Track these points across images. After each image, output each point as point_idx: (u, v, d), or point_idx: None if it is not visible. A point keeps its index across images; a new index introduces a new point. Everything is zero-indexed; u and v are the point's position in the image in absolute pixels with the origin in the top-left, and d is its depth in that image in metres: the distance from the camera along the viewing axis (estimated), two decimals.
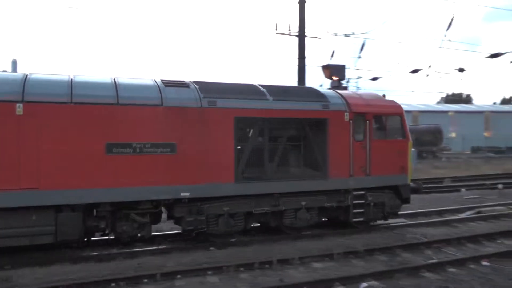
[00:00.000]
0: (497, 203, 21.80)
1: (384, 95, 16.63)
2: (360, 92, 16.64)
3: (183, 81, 13.34)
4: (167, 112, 12.22)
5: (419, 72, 25.68)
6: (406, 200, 16.15)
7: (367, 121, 15.08)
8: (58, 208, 11.45)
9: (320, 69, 20.77)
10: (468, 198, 23.76)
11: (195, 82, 13.43)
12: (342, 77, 19.41)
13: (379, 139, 15.33)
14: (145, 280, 10.17)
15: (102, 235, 13.02)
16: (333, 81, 19.04)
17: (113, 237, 12.79)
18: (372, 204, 15.36)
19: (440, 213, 19.48)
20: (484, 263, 12.15)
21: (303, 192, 14.24)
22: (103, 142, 11.59)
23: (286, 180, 13.92)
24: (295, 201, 14.21)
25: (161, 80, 13.04)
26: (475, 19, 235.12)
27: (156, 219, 13.02)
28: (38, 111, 10.99)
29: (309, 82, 74.23)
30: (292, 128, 14.37)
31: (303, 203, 14.29)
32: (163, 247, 12.91)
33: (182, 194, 12.43)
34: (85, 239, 12.71)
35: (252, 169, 13.50)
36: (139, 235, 12.73)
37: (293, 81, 43.89)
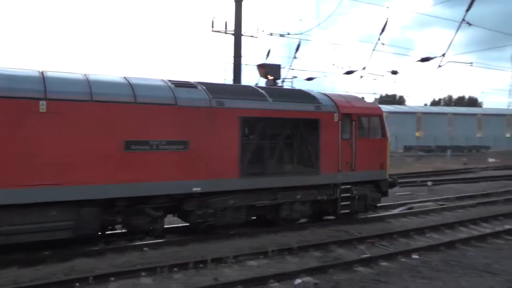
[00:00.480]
0: (426, 199, 22.57)
1: (363, 97, 17.67)
2: (344, 94, 17.73)
3: (190, 81, 14.03)
4: (181, 111, 12.86)
5: (354, 73, 26.09)
6: (385, 193, 17.71)
7: (353, 122, 16.44)
8: (77, 203, 11.63)
9: (256, 68, 20.76)
10: (401, 195, 24.41)
11: (200, 83, 14.15)
12: (277, 76, 19.47)
13: (363, 138, 16.66)
14: (77, 284, 9.87)
15: (111, 229, 13.15)
16: (268, 80, 19.08)
17: (125, 230, 13.26)
18: (356, 197, 16.71)
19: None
20: (414, 256, 12.50)
21: (298, 187, 15.24)
22: (122, 139, 12.03)
23: (284, 176, 14.84)
24: (291, 195, 15.18)
25: (170, 81, 13.60)
26: (408, 25, 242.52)
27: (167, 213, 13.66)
28: (60, 109, 11.21)
29: (245, 81, 74.44)
30: (288, 127, 15.19)
31: (298, 196, 15.31)
32: (96, 248, 12.58)
33: (194, 189, 13.11)
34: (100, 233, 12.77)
35: (254, 165, 14.30)
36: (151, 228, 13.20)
37: (229, 79, 43.77)
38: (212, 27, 24.50)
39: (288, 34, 25.79)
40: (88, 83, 11.88)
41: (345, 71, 25.75)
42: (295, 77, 31.68)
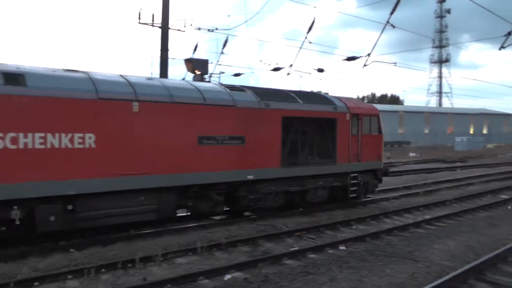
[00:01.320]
0: None
1: (361, 99, 19.86)
2: (350, 97, 20.83)
3: (239, 86, 16.57)
4: (238, 111, 15.39)
5: (281, 70, 26.33)
6: (380, 180, 21.23)
7: (359, 120, 19.63)
8: (159, 190, 13.66)
9: (183, 62, 20.56)
10: None
11: (245, 87, 16.66)
12: (205, 71, 19.37)
13: (366, 134, 19.91)
14: None
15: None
16: (196, 75, 18.95)
17: (189, 213, 15.57)
18: (361, 183, 19.88)
19: None
20: (341, 247, 12.79)
21: (320, 175, 18.21)
22: (195, 135, 14.25)
23: (310, 166, 17.89)
24: (314, 182, 18.09)
25: (223, 85, 16.22)
26: (333, 24, 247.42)
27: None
28: (148, 109, 13.15)
29: (172, 75, 73.56)
30: (313, 125, 18.22)
31: (320, 183, 18.27)
32: (15, 252, 12.05)
33: (248, 177, 15.70)
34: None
35: (290, 157, 17.28)
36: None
37: (155, 73, 43.08)
38: (139, 19, 24.05)
39: (216, 29, 25.71)
40: (166, 88, 13.94)
41: (272, 68, 25.97)
42: (223, 72, 31.69)
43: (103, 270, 10.62)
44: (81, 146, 12.09)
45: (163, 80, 14.89)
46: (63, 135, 11.79)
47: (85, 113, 12.10)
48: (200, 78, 18.44)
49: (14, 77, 11.29)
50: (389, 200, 21.66)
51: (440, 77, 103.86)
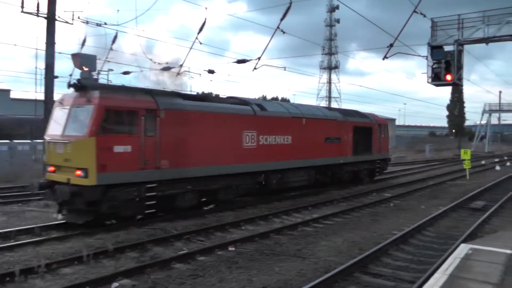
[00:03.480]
0: None
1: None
2: (372, 113, 33.18)
3: (327, 106, 35.13)
4: (337, 123, 26.70)
5: (171, 70, 25.89)
6: (386, 167, 34.08)
7: (380, 128, 31.63)
8: (308, 168, 24.22)
9: (70, 57, 19.59)
10: None
11: (327, 108, 30.64)
12: (93, 68, 18.62)
13: (382, 136, 31.82)
14: None
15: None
16: (83, 71, 18.12)
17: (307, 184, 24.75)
18: (379, 168, 31.71)
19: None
20: (231, 248, 12.79)
21: (364, 161, 29.70)
22: (324, 137, 25.40)
23: (362, 155, 29.23)
24: (362, 166, 29.58)
25: (324, 107, 30.49)
26: (223, 26, 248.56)
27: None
28: (308, 122, 24.04)
29: (58, 71, 70.42)
30: (362, 130, 29.18)
31: (365, 166, 30.02)
32: None
33: (340, 161, 26.80)
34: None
35: (353, 149, 28.21)
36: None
37: (40, 67, 40.91)
38: (22, 7, 22.35)
39: (105, 24, 24.74)
40: (287, 107, 23.89)
41: (162, 67, 25.49)
42: (111, 70, 30.65)
43: None
44: (286, 142, 22.23)
45: (297, 104, 26.11)
46: (280, 136, 21.90)
47: (286, 124, 22.38)
48: (88, 75, 17.71)
49: (263, 107, 21.43)
50: (281, 200, 22.02)
51: (329, 82, 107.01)
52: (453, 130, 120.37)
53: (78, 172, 14.50)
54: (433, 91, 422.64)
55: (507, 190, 26.44)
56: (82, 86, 15.42)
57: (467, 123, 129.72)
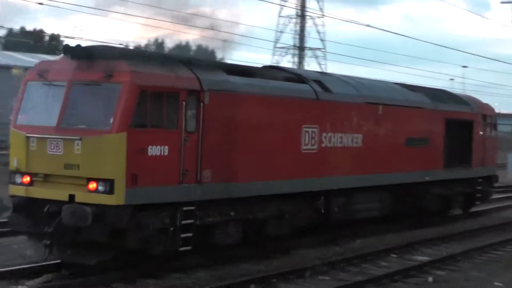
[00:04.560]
0: None
1: None
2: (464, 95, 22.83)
3: (402, 84, 19.24)
4: (423, 113, 17.01)
5: None
6: (491, 192, 21.98)
7: (485, 121, 20.00)
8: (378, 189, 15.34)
9: None
10: None
11: (402, 85, 18.67)
12: None
13: (488, 136, 20.15)
14: None
15: None
16: None
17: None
18: (481, 191, 20.03)
19: None
20: None
21: (460, 180, 18.60)
22: (405, 137, 16.10)
23: (456, 169, 18.36)
24: (456, 188, 18.47)
25: (396, 84, 18.27)
26: None
27: None
28: (386, 111, 15.34)
29: None
30: (457, 128, 18.38)
31: (459, 189, 18.66)
32: None
33: (426, 178, 16.89)
34: None
35: (445, 159, 17.94)
36: None
37: None
38: None
39: None
40: (372, 89, 15.79)
41: None
42: None
43: None
44: (356, 145, 14.64)
45: (383, 83, 18.05)
46: (348, 135, 14.41)
47: (357, 115, 14.65)
48: None
49: (325, 86, 14.07)
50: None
51: (301, 15, 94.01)
52: None
53: (93, 185, 9.39)
54: None
55: None
56: (87, 52, 10.23)
57: None
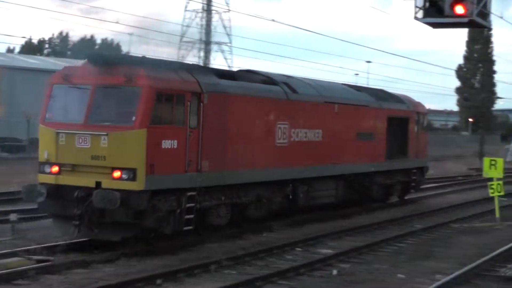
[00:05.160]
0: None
1: None
2: (400, 94, 24.42)
3: (349, 84, 22.79)
4: (369, 111, 19.61)
5: None
6: (423, 181, 24.46)
7: (419, 118, 22.53)
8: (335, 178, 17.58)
9: None
10: None
11: (350, 85, 22.11)
12: None
13: (421, 131, 22.77)
14: None
15: None
16: None
17: None
18: (415, 181, 22.57)
19: None
20: None
21: (399, 170, 21.22)
22: (355, 132, 18.45)
23: (396, 160, 20.85)
24: (396, 177, 21.11)
25: (345, 85, 21.22)
26: None
27: None
28: (333, 110, 17.46)
29: None
30: (396, 124, 21.00)
31: (398, 178, 21.22)
32: None
33: (372, 169, 19.32)
34: None
35: (387, 152, 20.35)
36: None
37: None
38: None
39: None
40: (328, 90, 18.02)
41: None
42: None
43: None
44: (316, 139, 16.92)
45: (335, 84, 20.50)
46: (311, 131, 16.66)
47: (318, 113, 16.90)
48: None
49: (293, 88, 16.24)
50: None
51: (207, 10, 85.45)
52: (469, 119, 71.24)
53: (117, 174, 11.13)
54: (427, 39, 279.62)
55: None
56: (109, 60, 12.09)
57: (498, 105, 79.13)
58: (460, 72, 70.93)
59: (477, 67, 70.47)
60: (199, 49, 60.87)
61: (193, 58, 58.42)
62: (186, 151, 12.05)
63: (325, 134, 16.78)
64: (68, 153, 11.46)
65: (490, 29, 16.25)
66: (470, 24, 13.15)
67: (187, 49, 59.51)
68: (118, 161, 11.09)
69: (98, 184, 11.12)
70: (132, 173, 11.01)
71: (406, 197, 22.46)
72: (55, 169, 11.58)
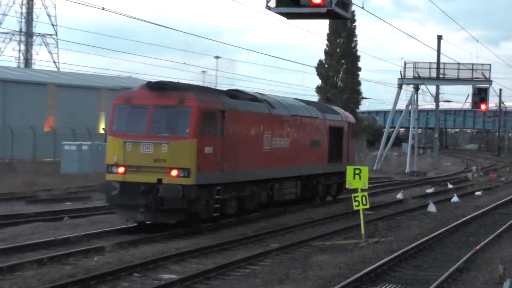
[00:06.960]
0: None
1: None
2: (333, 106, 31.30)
3: (296, 99, 26.05)
4: (317, 122, 23.52)
5: None
6: None
7: (350, 128, 26.76)
8: (296, 178, 21.44)
9: None
10: None
11: (297, 99, 25.70)
12: None
13: (351, 139, 26.88)
14: None
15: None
16: None
17: None
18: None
19: None
20: None
21: (335, 173, 25.08)
22: (309, 140, 22.60)
23: (334, 164, 24.77)
24: (333, 178, 25.18)
25: (293, 99, 24.95)
26: None
27: None
28: (296, 122, 21.65)
29: None
30: (334, 133, 25.06)
31: (335, 179, 25.14)
32: None
33: (319, 171, 23.48)
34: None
35: (329, 156, 24.36)
36: None
37: None
38: None
39: None
40: (291, 106, 21.89)
41: None
42: None
43: None
44: (286, 146, 20.96)
45: (288, 99, 23.82)
46: (284, 139, 20.86)
47: (288, 125, 21.03)
48: None
49: (271, 104, 20.37)
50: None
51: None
52: None
53: (175, 172, 14.97)
54: (281, 31, 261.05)
55: (443, 261, 13.49)
56: (162, 86, 16.13)
57: (364, 106, 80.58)
58: (321, 69, 64.55)
59: (340, 64, 64.54)
60: (19, 42, 53.31)
61: (12, 52, 51.33)
62: (217, 155, 16.10)
63: (291, 142, 20.98)
64: (134, 157, 15.21)
65: (352, 20, 12.66)
66: (328, 14, 12.19)
67: (5, 42, 53.00)
68: (176, 163, 15.01)
69: (159, 180, 14.91)
70: (187, 172, 14.96)
71: (338, 197, 25.97)
72: (121, 169, 15.26)
